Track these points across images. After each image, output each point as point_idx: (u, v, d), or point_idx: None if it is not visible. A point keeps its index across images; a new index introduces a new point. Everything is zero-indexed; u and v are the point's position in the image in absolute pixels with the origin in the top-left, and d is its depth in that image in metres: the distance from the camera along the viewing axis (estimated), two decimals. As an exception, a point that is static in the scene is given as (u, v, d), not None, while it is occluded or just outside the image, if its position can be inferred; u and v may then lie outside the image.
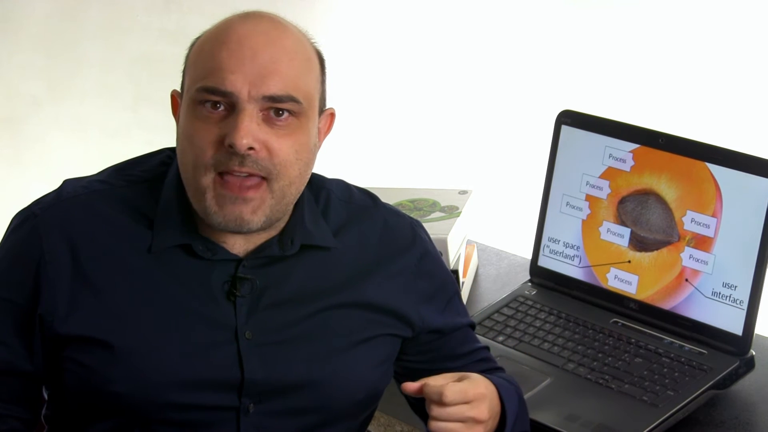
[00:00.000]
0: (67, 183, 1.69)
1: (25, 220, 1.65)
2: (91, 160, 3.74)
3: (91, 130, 3.91)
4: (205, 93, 1.56)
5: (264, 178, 1.57)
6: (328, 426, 1.69)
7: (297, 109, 1.58)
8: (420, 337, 1.76)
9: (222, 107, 1.57)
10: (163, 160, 1.70)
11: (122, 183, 1.67)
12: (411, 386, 1.60)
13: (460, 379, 1.62)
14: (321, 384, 1.66)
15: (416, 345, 1.76)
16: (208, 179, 1.57)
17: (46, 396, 1.72)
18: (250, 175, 1.57)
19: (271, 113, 1.57)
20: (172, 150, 1.71)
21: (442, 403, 1.58)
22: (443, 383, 1.59)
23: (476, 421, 1.60)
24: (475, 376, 1.63)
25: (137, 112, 3.89)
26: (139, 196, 1.65)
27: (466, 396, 1.59)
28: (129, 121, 3.89)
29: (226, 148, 1.55)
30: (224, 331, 1.63)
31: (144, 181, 1.67)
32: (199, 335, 1.62)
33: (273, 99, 1.56)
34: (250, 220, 1.58)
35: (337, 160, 3.46)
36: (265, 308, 1.65)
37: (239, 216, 1.58)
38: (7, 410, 1.64)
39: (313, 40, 1.65)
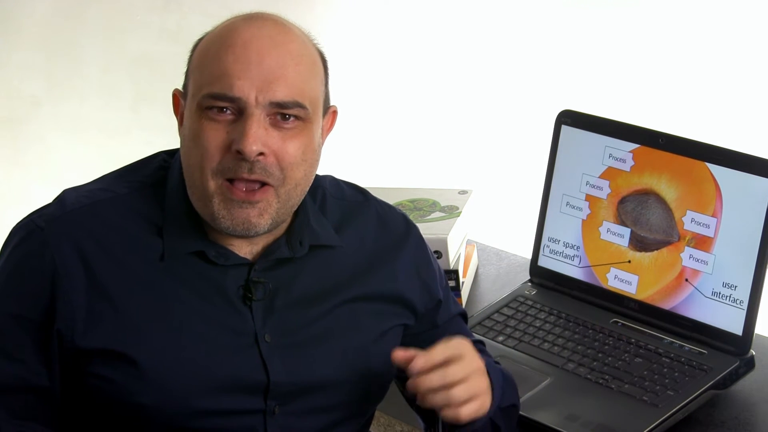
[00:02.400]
0: (67, 193, 1.67)
1: (30, 233, 1.62)
2: (91, 160, 3.75)
3: (91, 130, 3.91)
4: (212, 99, 1.56)
5: (270, 184, 1.58)
6: (349, 419, 1.71)
7: (303, 114, 1.59)
8: (415, 326, 1.77)
9: (229, 111, 1.56)
10: (160, 164, 1.69)
11: (125, 190, 1.66)
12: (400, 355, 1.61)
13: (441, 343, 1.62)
14: (342, 382, 1.67)
15: (410, 336, 1.77)
16: (215, 184, 1.57)
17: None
18: (257, 180, 1.57)
19: (278, 117, 1.57)
20: (167, 153, 1.70)
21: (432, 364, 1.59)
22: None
23: (480, 371, 1.62)
24: (456, 339, 1.63)
25: (137, 112, 3.89)
26: (144, 203, 1.65)
27: (448, 351, 1.59)
28: (129, 121, 3.89)
29: (234, 154, 1.55)
30: (245, 336, 1.63)
31: (147, 186, 1.66)
32: (222, 342, 1.62)
33: (280, 105, 1.57)
34: (257, 224, 1.59)
35: (338, 160, 3.46)
36: (279, 310, 1.65)
37: (246, 219, 1.58)
38: (24, 427, 1.62)
39: (315, 41, 1.65)
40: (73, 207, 1.63)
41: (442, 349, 1.60)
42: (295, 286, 1.67)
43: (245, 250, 1.65)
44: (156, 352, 1.59)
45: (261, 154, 1.56)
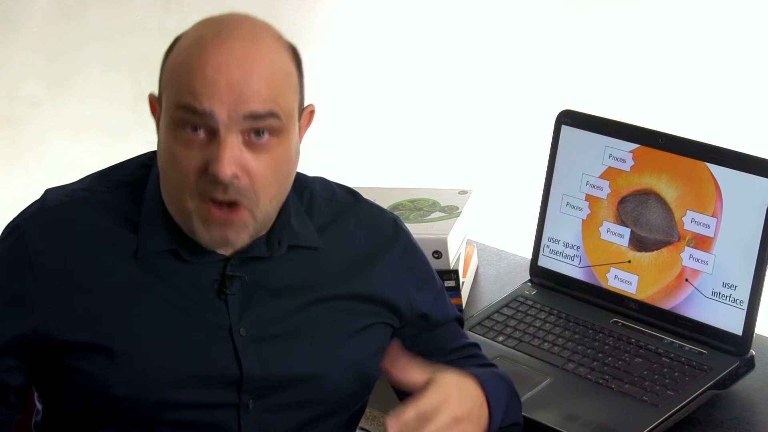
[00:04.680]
0: (49, 192, 1.69)
1: (10, 232, 1.65)
2: (91, 160, 3.74)
3: (91, 130, 3.91)
4: (184, 112, 1.55)
5: (244, 205, 1.57)
6: (328, 417, 1.70)
7: (278, 125, 1.57)
8: (407, 329, 1.77)
9: (202, 131, 1.55)
10: (143, 162, 1.70)
11: (104, 189, 1.67)
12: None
13: (425, 387, 1.58)
14: (318, 376, 1.67)
15: (404, 338, 1.77)
16: (192, 204, 1.58)
17: (39, 404, 1.71)
18: (231, 200, 1.57)
19: (252, 136, 1.56)
20: (151, 153, 1.71)
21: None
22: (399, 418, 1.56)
23: (455, 419, 1.58)
24: (441, 377, 1.59)
25: (137, 112, 3.89)
26: (122, 201, 1.65)
27: (420, 411, 1.55)
28: (129, 121, 3.89)
29: (210, 176, 1.55)
30: (219, 330, 1.63)
31: (126, 185, 1.67)
32: (195, 335, 1.62)
33: (253, 117, 1.55)
34: (236, 240, 1.60)
35: (339, 160, 3.47)
36: (257, 304, 1.65)
37: (224, 237, 1.59)
38: None
39: (285, 39, 1.62)
40: (51, 205, 1.65)
41: (415, 407, 1.56)
42: (275, 279, 1.67)
43: (224, 248, 1.65)
44: (129, 345, 1.60)
45: (235, 176, 1.55)
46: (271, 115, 1.56)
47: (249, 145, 1.56)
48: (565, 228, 2.21)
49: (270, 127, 1.56)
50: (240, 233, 1.60)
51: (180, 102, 1.55)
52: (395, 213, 1.87)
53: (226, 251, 1.65)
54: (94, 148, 3.88)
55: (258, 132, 1.56)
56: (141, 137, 3.72)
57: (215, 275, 1.64)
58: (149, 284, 1.62)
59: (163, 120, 1.59)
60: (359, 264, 1.72)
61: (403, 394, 1.81)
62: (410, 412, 1.55)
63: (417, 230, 1.82)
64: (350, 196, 1.78)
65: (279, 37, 1.61)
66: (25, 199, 1.73)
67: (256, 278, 1.66)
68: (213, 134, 1.55)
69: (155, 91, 1.64)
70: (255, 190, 1.57)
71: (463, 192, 2.43)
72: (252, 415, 1.64)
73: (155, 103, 1.64)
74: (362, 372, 1.71)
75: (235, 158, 1.55)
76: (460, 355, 1.81)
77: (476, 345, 1.85)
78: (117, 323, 1.61)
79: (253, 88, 1.55)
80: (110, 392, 1.60)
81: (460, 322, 1.85)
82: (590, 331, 2.11)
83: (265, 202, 1.59)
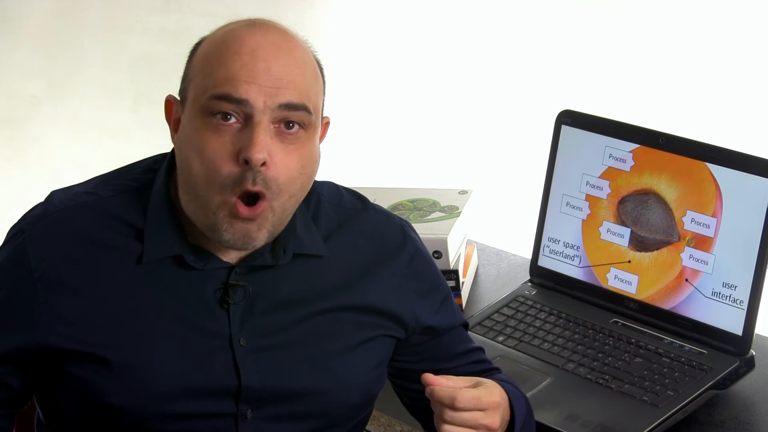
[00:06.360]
0: (54, 195, 1.68)
1: (13, 236, 1.64)
2: (91, 160, 3.75)
3: (91, 130, 3.91)
4: (218, 101, 1.54)
5: (265, 197, 1.56)
6: (328, 429, 1.69)
7: (307, 120, 1.57)
8: (413, 337, 1.75)
9: (234, 119, 1.55)
10: (149, 166, 1.69)
11: (109, 193, 1.65)
12: (430, 378, 1.60)
13: (475, 385, 1.61)
14: (318, 389, 1.66)
15: (410, 346, 1.76)
16: (221, 199, 1.56)
17: (39, 409, 1.71)
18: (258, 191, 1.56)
19: (282, 126, 1.56)
20: (157, 156, 1.70)
21: (454, 408, 1.58)
22: (455, 386, 1.59)
23: (488, 430, 1.60)
24: (490, 383, 1.63)
25: (137, 112, 3.89)
26: (127, 206, 1.64)
27: (479, 403, 1.59)
28: (129, 121, 3.89)
29: (241, 164, 1.54)
30: (219, 339, 1.62)
31: (132, 190, 1.65)
32: (194, 344, 1.61)
33: (288, 108, 1.55)
34: (256, 237, 1.58)
35: (339, 160, 3.46)
36: (259, 314, 1.64)
37: (247, 233, 1.57)
38: None
39: (314, 51, 1.64)
40: (55, 209, 1.64)
41: (487, 394, 1.60)
42: (279, 290, 1.65)
43: (233, 255, 1.64)
44: (127, 353, 1.59)
45: (263, 164, 1.54)
46: (304, 108, 1.56)
47: (279, 135, 1.56)
48: (565, 228, 2.21)
49: (301, 120, 1.57)
50: (261, 228, 1.57)
51: (215, 91, 1.55)
52: (395, 213, 1.86)
53: (231, 260, 1.63)
54: (94, 148, 3.88)
55: (288, 123, 1.56)
56: (141, 137, 3.73)
57: (218, 284, 1.63)
58: (150, 292, 1.61)
59: (191, 110, 1.58)
60: (364, 274, 1.71)
61: (412, 407, 1.82)
62: (466, 393, 1.58)
63: (417, 230, 1.82)
64: (358, 201, 1.76)
65: (307, 43, 1.63)
66: (25, 199, 1.73)
67: (259, 288, 1.64)
68: (246, 120, 1.55)
69: (175, 93, 1.63)
70: (279, 183, 1.56)
71: (463, 192, 2.43)
72: (250, 424, 1.63)
73: (174, 105, 1.63)
74: (363, 385, 1.70)
75: (266, 144, 1.54)
76: (465, 360, 1.80)
77: (481, 349, 1.84)
78: (117, 332, 1.60)
79: (288, 75, 1.55)
80: (108, 401, 1.59)
81: (466, 326, 1.84)
82: (590, 331, 2.11)
83: (285, 196, 1.58)
